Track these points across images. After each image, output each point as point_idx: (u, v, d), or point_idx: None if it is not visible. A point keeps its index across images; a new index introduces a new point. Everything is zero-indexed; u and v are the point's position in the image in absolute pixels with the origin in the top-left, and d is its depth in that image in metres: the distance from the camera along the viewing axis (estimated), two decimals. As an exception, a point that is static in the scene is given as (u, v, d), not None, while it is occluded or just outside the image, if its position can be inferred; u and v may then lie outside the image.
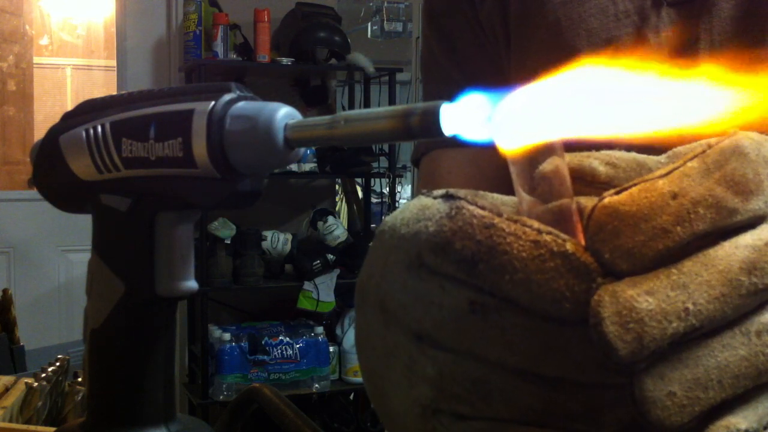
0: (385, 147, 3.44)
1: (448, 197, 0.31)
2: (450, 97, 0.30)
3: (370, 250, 0.35)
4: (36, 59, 4.88)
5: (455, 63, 0.80)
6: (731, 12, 0.64)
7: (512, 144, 0.30)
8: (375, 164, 3.47)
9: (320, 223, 3.41)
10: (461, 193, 0.31)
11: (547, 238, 0.29)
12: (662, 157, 0.34)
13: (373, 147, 3.35)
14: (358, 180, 3.71)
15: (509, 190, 0.32)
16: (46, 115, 5.03)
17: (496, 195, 0.35)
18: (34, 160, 0.46)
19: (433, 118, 0.30)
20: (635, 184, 0.30)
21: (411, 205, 0.34)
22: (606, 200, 0.30)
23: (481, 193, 0.34)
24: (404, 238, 0.32)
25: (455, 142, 0.31)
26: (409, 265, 0.32)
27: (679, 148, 0.34)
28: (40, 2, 5.23)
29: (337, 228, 3.40)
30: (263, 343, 3.12)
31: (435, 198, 0.32)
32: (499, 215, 0.30)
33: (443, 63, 0.81)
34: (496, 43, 0.76)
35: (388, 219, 0.35)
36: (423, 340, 0.32)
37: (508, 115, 0.29)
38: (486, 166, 0.75)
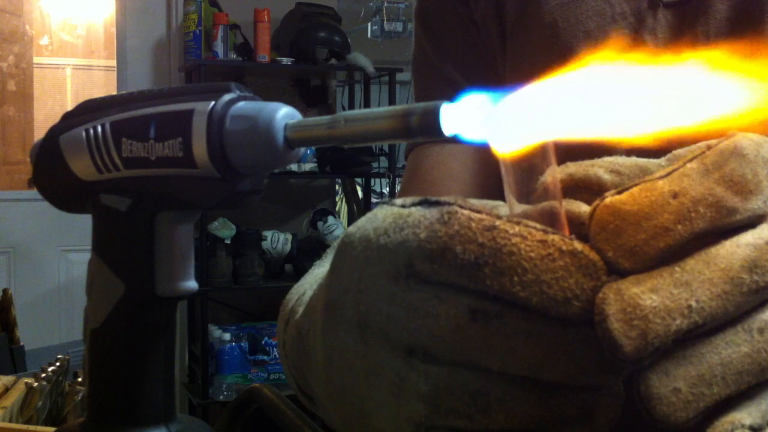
0: (385, 147, 3.44)
1: (431, 203, 0.31)
2: (442, 94, 0.30)
3: (335, 265, 0.34)
4: (36, 59, 4.89)
5: (447, 62, 0.80)
6: (727, 13, 0.64)
7: (506, 147, 0.30)
8: (375, 164, 3.47)
9: (320, 223, 3.41)
10: (448, 198, 0.31)
11: (555, 237, 0.29)
12: (662, 161, 0.35)
13: (373, 147, 3.35)
14: (358, 180, 3.71)
15: (493, 185, 0.32)
16: (46, 115, 5.03)
17: (477, 200, 0.34)
18: (34, 160, 0.46)
19: (433, 118, 0.30)
20: (636, 185, 0.30)
21: (379, 214, 0.32)
22: (608, 200, 0.30)
23: (467, 199, 0.32)
24: (386, 248, 0.31)
25: (450, 141, 0.31)
26: (395, 276, 0.31)
27: (679, 151, 0.34)
28: (40, 2, 5.23)
29: (337, 228, 3.40)
30: (263, 343, 3.12)
31: (408, 206, 0.31)
32: (499, 217, 0.30)
33: (435, 61, 0.81)
34: (490, 43, 0.76)
35: (354, 230, 0.33)
36: (414, 354, 0.30)
37: (503, 117, 0.29)
38: (469, 161, 0.75)
